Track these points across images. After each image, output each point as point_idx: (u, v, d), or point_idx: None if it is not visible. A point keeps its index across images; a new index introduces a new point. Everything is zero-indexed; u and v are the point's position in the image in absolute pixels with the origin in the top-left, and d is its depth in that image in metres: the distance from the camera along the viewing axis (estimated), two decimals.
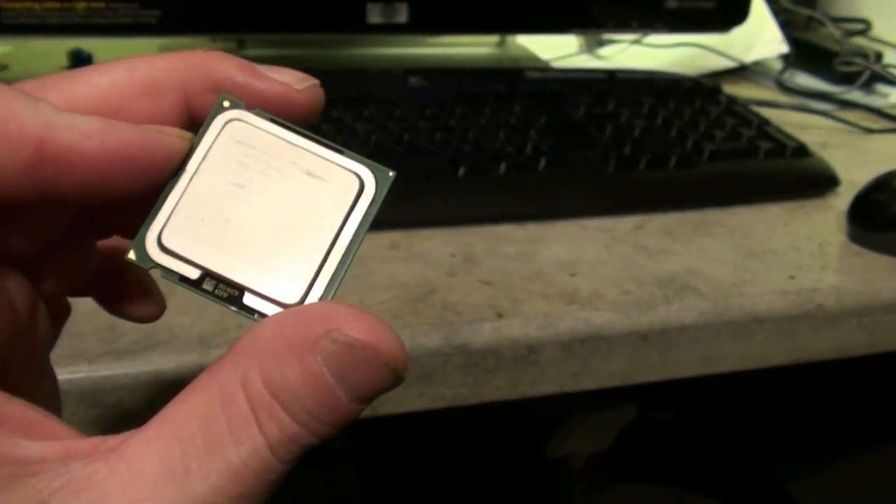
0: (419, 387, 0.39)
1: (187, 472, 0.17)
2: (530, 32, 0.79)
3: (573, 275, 0.44)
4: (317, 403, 0.18)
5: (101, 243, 0.26)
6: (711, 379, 0.45)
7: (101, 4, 0.61)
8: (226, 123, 0.22)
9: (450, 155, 0.52)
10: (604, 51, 0.85)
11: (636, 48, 0.84)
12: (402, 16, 0.66)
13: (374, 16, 0.65)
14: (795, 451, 1.02)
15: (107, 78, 0.21)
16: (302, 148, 0.22)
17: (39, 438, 0.18)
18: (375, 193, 0.22)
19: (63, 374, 0.35)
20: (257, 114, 0.22)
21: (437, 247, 0.46)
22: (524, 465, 0.97)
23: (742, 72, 0.82)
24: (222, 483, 0.17)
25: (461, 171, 0.50)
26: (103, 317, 0.27)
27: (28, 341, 0.23)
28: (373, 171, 0.22)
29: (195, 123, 0.22)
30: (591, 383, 0.42)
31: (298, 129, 0.22)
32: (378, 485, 0.98)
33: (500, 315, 0.40)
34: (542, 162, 0.52)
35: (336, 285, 0.21)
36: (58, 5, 0.60)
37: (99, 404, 0.35)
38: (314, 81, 0.23)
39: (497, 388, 0.41)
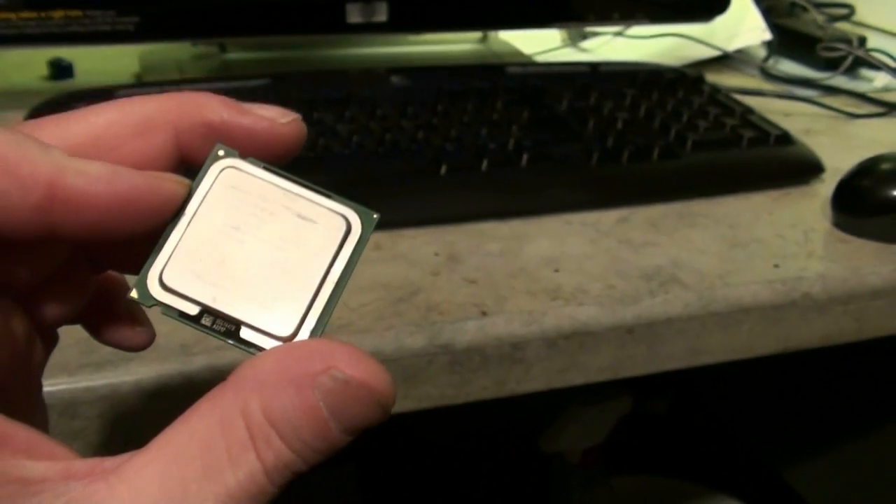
0: (405, 388, 0.39)
1: (185, 494, 0.18)
2: (511, 28, 0.79)
3: (557, 270, 0.44)
4: (312, 434, 0.19)
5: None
6: (707, 368, 0.45)
7: (79, 13, 0.60)
8: (221, 170, 0.23)
9: (432, 153, 0.51)
10: (587, 44, 0.85)
11: (619, 40, 0.84)
12: (381, 15, 0.65)
13: (354, 16, 0.65)
14: (792, 438, 1.02)
15: (102, 118, 0.23)
16: (293, 192, 0.23)
17: (40, 459, 0.19)
18: (361, 234, 0.23)
19: (44, 387, 0.34)
20: (251, 161, 0.23)
21: (420, 246, 0.46)
22: (521, 460, 0.97)
23: (726, 60, 0.82)
24: None
25: (443, 170, 0.50)
26: (82, 328, 0.27)
27: (25, 370, 0.24)
28: (358, 213, 0.23)
29: (185, 161, 0.24)
30: (578, 379, 0.42)
31: (289, 175, 0.23)
32: (376, 483, 0.98)
33: (484, 313, 0.40)
34: (525, 157, 0.52)
35: (326, 320, 0.22)
36: (34, 15, 0.60)
37: (80, 416, 0.35)
38: (296, 115, 0.24)
39: (483, 387, 0.41)
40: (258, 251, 0.22)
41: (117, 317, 0.27)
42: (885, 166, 0.50)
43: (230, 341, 0.22)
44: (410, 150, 0.52)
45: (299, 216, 0.23)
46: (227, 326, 0.22)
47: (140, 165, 0.22)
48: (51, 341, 0.27)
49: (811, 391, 0.97)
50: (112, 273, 0.27)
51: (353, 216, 0.23)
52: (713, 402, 1.11)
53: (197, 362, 0.36)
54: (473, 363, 0.40)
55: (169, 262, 0.22)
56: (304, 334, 0.22)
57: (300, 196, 0.23)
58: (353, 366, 0.19)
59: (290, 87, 0.58)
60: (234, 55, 0.75)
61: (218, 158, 0.23)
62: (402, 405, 0.40)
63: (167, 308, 0.22)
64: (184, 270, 0.22)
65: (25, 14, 0.59)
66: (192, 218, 0.23)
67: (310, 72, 0.68)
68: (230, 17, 0.64)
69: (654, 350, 0.43)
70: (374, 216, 0.23)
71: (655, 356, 0.43)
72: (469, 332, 0.39)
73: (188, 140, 0.23)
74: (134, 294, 0.22)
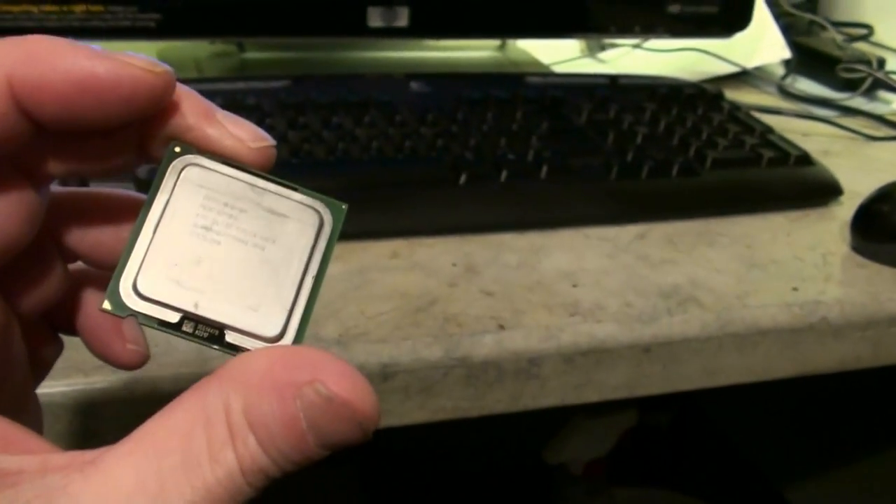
0: (420, 399, 0.39)
1: (163, 487, 0.18)
2: (531, 36, 0.78)
3: (575, 285, 0.44)
4: (287, 443, 0.19)
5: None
6: None
7: (100, 8, 0.60)
8: (183, 168, 0.22)
9: (451, 162, 0.51)
10: (605, 55, 0.84)
11: (638, 52, 0.84)
12: (402, 20, 0.65)
13: (375, 19, 0.65)
14: (794, 456, 1.01)
15: None
16: (259, 187, 0.22)
17: (16, 452, 0.18)
18: (333, 227, 0.23)
19: (59, 387, 0.34)
20: (210, 157, 0.22)
21: (437, 255, 0.46)
22: (523, 470, 0.97)
23: (744, 77, 0.81)
24: (197, 501, 0.18)
25: (462, 179, 0.50)
26: None
27: (2, 359, 0.23)
28: (328, 206, 0.23)
29: (144, 154, 0.23)
30: (593, 396, 0.42)
31: (249, 168, 0.23)
32: (379, 489, 0.98)
33: (501, 327, 0.40)
34: (544, 169, 0.51)
35: (309, 317, 0.22)
36: (56, 9, 0.59)
37: (97, 416, 0.35)
38: (270, 143, 0.23)
39: (498, 401, 0.40)
40: (234, 251, 0.22)
41: (107, 330, 0.26)
42: None
43: (215, 347, 0.21)
44: (430, 158, 0.52)
45: (270, 212, 0.22)
46: (210, 331, 0.21)
47: (102, 154, 0.22)
48: (53, 348, 0.27)
49: (815, 409, 0.97)
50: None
51: (323, 209, 0.23)
52: (715, 417, 1.11)
53: (215, 366, 0.36)
54: (489, 377, 0.40)
55: (142, 269, 0.21)
56: (290, 334, 0.22)
57: (267, 191, 0.22)
58: (339, 383, 0.19)
59: (309, 89, 0.58)
60: (252, 54, 0.75)
61: (175, 156, 0.22)
62: (417, 416, 0.40)
63: (145, 318, 0.21)
64: (160, 276, 0.21)
65: (47, 7, 0.59)
66: (160, 221, 0.22)
67: (330, 75, 0.68)
68: (250, 17, 0.64)
69: (669, 369, 0.43)
70: (343, 207, 0.23)
71: (671, 375, 0.43)
72: (486, 345, 0.39)
73: (148, 133, 0.22)
74: (107, 305, 0.21)
